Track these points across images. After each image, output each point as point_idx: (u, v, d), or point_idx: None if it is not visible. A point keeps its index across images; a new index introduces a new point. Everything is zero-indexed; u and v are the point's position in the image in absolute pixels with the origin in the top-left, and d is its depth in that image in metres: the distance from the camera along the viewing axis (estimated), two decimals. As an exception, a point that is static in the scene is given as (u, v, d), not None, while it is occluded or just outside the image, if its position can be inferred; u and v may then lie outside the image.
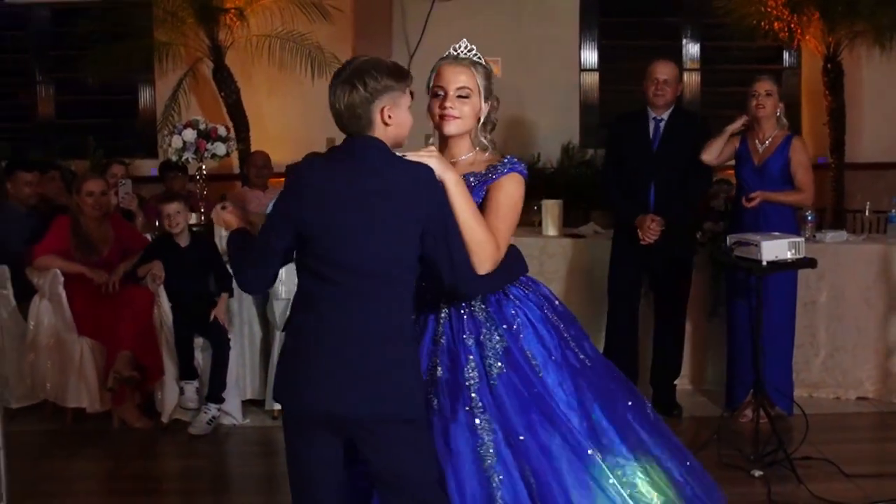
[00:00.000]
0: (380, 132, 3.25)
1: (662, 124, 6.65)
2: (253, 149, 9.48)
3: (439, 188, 3.27)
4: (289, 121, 10.24)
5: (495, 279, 3.43)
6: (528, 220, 8.25)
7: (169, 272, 6.75)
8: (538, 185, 8.39)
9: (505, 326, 3.48)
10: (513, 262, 3.55)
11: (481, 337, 3.46)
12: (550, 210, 7.74)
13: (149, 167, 9.99)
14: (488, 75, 3.62)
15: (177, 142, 7.69)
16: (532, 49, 10.30)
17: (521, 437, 3.38)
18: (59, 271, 6.77)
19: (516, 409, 3.40)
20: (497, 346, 3.46)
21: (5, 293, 7.06)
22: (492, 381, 3.41)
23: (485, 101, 3.59)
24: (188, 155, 7.70)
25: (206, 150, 7.71)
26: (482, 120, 3.61)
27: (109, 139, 10.26)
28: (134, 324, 6.65)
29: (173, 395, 6.75)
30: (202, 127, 7.72)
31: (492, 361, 3.44)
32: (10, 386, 7.03)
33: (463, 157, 3.61)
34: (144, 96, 10.58)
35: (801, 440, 5.85)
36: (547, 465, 3.36)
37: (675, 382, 6.93)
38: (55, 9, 10.48)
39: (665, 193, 6.55)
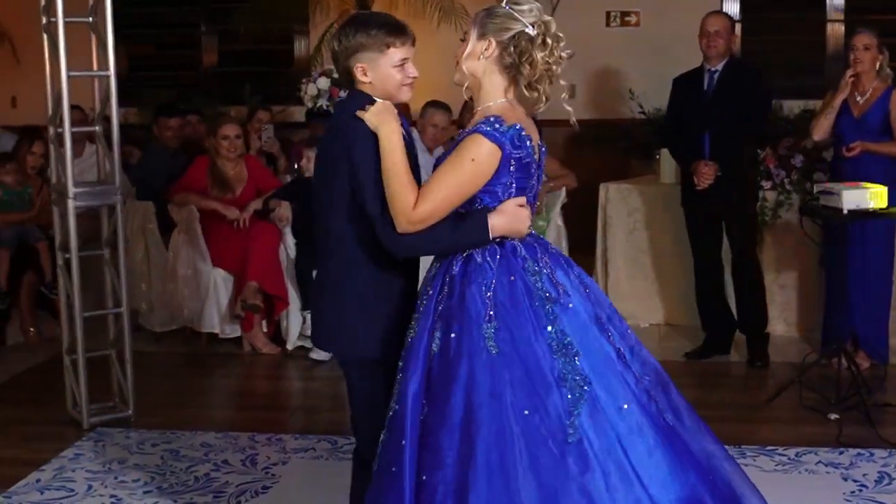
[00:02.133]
0: (365, 87, 3.48)
1: (716, 76, 6.82)
2: (401, 97, 9.86)
3: (358, 141, 3.31)
4: (437, 71, 10.56)
5: (425, 243, 3.28)
6: (650, 168, 8.49)
7: (299, 210, 7.26)
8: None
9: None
10: (459, 230, 3.28)
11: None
12: (665, 159, 7.95)
13: (300, 113, 10.53)
14: (491, 13, 3.36)
15: (312, 89, 8.20)
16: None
17: None
18: (194, 207, 7.38)
19: None
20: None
21: (151, 227, 7.71)
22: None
23: (479, 40, 3.38)
24: (322, 102, 8.19)
25: (339, 97, 8.16)
26: (483, 63, 3.39)
27: (267, 87, 10.82)
28: (261, 257, 7.20)
29: (297, 323, 7.29)
30: (335, 75, 8.17)
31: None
32: (155, 311, 7.70)
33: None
34: (299, 46, 11.11)
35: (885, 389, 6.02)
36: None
37: (767, 332, 7.04)
38: (220, -38, 11.02)
39: (719, 142, 6.72)
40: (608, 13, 10.57)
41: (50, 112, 5.82)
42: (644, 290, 7.95)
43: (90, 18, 5.86)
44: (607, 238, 8.01)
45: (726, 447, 3.46)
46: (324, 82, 8.16)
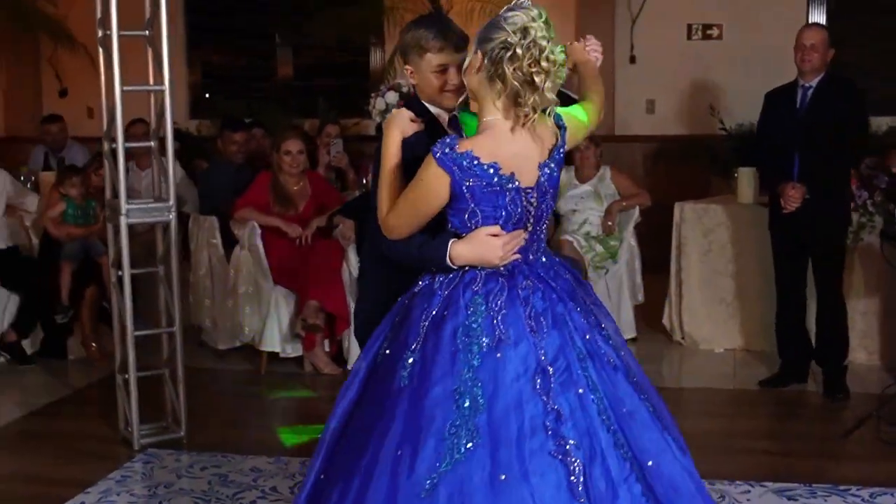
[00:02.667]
0: (418, 90, 3.54)
1: (810, 92, 6.47)
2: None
3: (381, 142, 3.37)
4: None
5: (396, 252, 3.34)
6: (731, 187, 8.18)
7: (363, 229, 7.09)
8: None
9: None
10: (425, 248, 3.28)
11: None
12: (744, 177, 7.66)
13: (374, 127, 10.40)
14: (487, 23, 3.23)
15: (380, 104, 8.04)
16: (755, 11, 10.06)
17: None
18: (256, 224, 7.25)
19: None
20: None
21: (214, 242, 7.60)
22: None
23: (475, 52, 3.20)
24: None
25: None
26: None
27: (341, 99, 10.72)
28: (322, 275, 7.04)
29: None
30: (404, 90, 8.02)
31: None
32: (218, 328, 7.59)
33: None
34: (374, 58, 10.99)
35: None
36: None
37: (845, 364, 6.68)
38: (295, -27, 10.96)
39: (810, 163, 6.37)
40: (690, 26, 10.30)
41: (105, 126, 5.72)
42: (719, 313, 7.66)
43: (146, 32, 5.73)
44: (682, 259, 7.74)
45: (795, 484, 3.22)
46: (392, 97, 8.00)
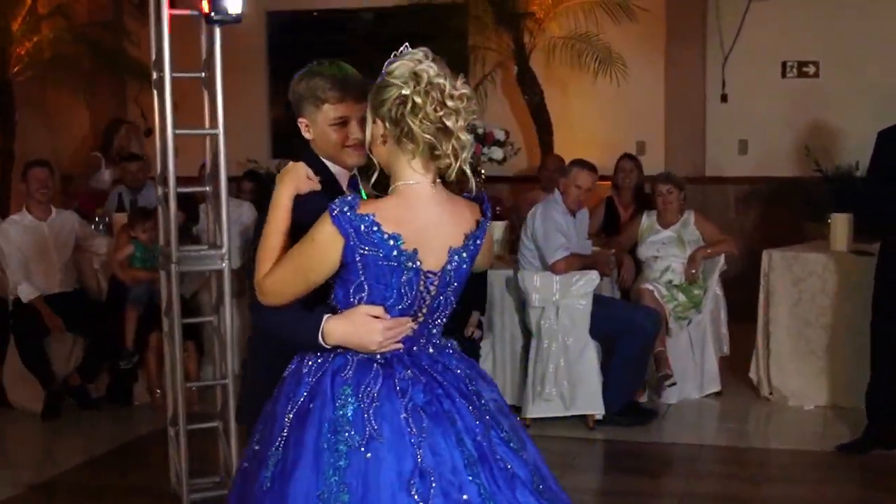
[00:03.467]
0: (313, 145, 3.21)
1: None
2: (557, 151, 9.47)
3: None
4: (597, 124, 10.15)
5: (270, 322, 3.00)
6: (821, 232, 7.78)
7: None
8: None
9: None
10: (300, 322, 2.93)
11: None
12: (838, 223, 7.25)
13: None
14: (375, 86, 2.88)
15: (455, 145, 7.78)
16: (853, 47, 9.62)
17: None
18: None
19: None
20: None
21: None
22: None
23: (373, 122, 2.89)
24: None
25: (482, 153, 7.75)
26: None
27: (424, 138, 10.48)
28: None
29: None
30: (479, 131, 7.77)
31: None
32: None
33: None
34: (459, 99, 10.74)
35: None
36: None
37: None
38: (378, 11, 10.78)
39: None
40: (784, 63, 9.91)
41: (158, 170, 5.55)
42: (809, 367, 7.23)
43: (202, 74, 5.56)
44: (770, 309, 7.33)
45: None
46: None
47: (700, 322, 7.46)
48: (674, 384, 7.16)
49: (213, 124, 5.53)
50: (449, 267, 2.88)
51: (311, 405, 2.83)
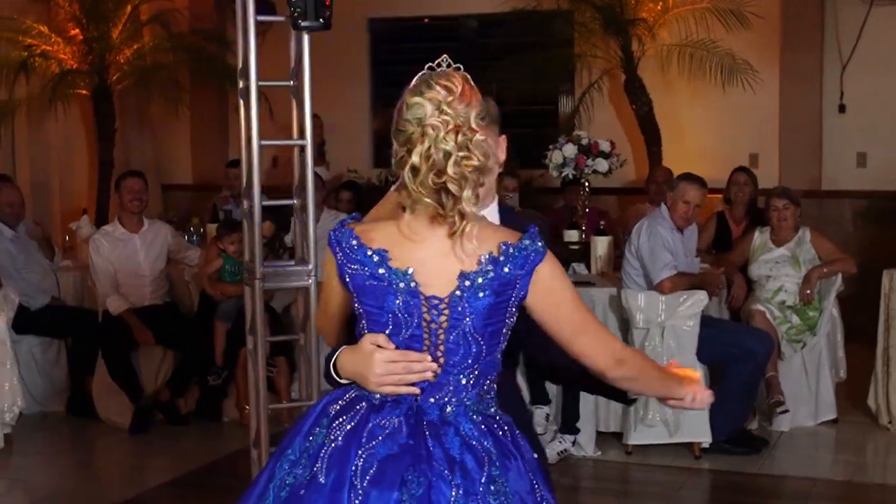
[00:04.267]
0: None
1: None
2: (666, 163, 9.13)
3: None
4: (708, 135, 9.77)
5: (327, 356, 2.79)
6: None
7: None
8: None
9: None
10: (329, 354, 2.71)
11: None
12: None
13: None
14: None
15: (557, 157, 7.51)
16: None
17: None
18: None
19: None
20: None
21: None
22: None
23: None
24: (568, 171, 7.48)
25: (586, 165, 7.44)
26: None
27: (529, 148, 10.20)
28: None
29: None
30: (584, 142, 7.46)
31: None
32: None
33: None
34: (564, 107, 10.45)
35: None
36: None
37: None
38: (482, 19, 10.55)
39: None
40: (908, 71, 9.38)
41: (244, 183, 5.34)
42: (933, 396, 6.77)
43: (291, 83, 5.34)
44: (890, 332, 6.90)
45: None
46: (570, 149, 7.46)
47: (815, 345, 7.05)
48: (786, 411, 6.77)
49: (302, 135, 5.30)
50: (458, 293, 2.51)
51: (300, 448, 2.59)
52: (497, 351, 2.58)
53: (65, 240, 8.95)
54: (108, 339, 7.28)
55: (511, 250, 2.53)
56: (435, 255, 2.51)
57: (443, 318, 2.51)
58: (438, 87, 2.53)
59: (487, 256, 2.51)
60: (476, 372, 2.55)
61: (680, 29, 9.34)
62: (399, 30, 10.96)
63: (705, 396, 2.78)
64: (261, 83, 5.16)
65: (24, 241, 7.73)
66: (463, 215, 2.47)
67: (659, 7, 9.35)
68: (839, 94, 9.52)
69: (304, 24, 5.02)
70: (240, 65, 5.28)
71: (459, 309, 2.50)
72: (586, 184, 7.69)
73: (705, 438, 6.42)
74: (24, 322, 7.27)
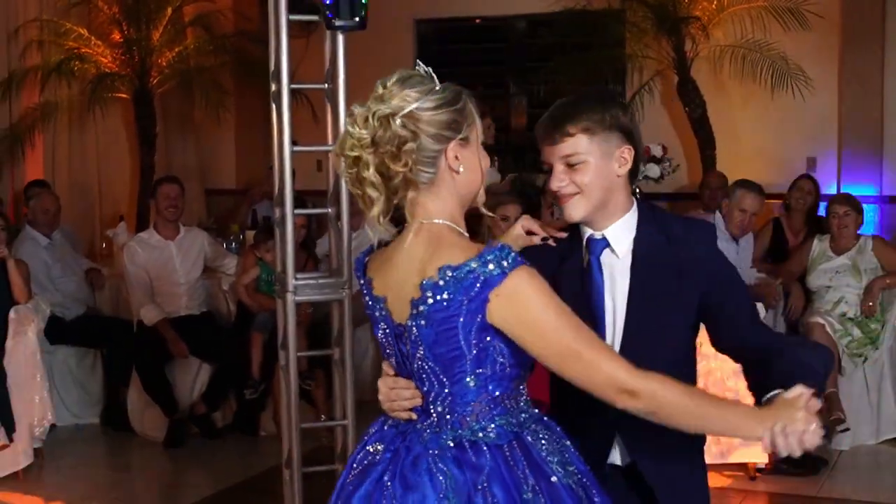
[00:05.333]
0: None
1: None
2: (720, 167, 8.84)
3: None
4: (764, 138, 9.46)
5: None
6: None
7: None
8: None
9: None
10: None
11: None
12: None
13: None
14: None
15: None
16: None
17: None
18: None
19: None
20: None
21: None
22: None
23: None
24: (618, 178, 7.20)
25: (639, 171, 7.15)
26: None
27: (580, 152, 9.97)
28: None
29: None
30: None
31: None
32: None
33: None
34: (616, 108, 10.19)
35: None
36: None
37: None
38: (531, 19, 10.32)
39: None
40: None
41: (276, 190, 5.12)
42: None
43: (326, 85, 5.11)
44: (955, 347, 6.58)
45: None
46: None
47: (877, 359, 6.77)
48: (847, 430, 6.48)
49: (336, 140, 5.05)
50: (409, 322, 2.40)
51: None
52: (468, 377, 2.43)
53: (102, 247, 8.83)
54: (142, 350, 7.14)
55: (451, 274, 2.34)
56: (404, 278, 2.43)
57: (407, 346, 2.45)
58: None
59: (427, 282, 2.36)
60: (450, 399, 2.45)
61: (735, 29, 9.04)
62: (445, 31, 10.80)
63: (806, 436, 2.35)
64: (293, 86, 4.95)
65: (60, 250, 7.62)
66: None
67: (714, 5, 9.06)
68: (902, 96, 9.19)
69: (338, 23, 4.80)
70: (271, 66, 5.06)
71: (412, 338, 2.42)
72: (637, 190, 7.39)
73: (760, 459, 6.14)
74: (58, 332, 7.17)
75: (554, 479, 2.44)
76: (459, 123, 2.48)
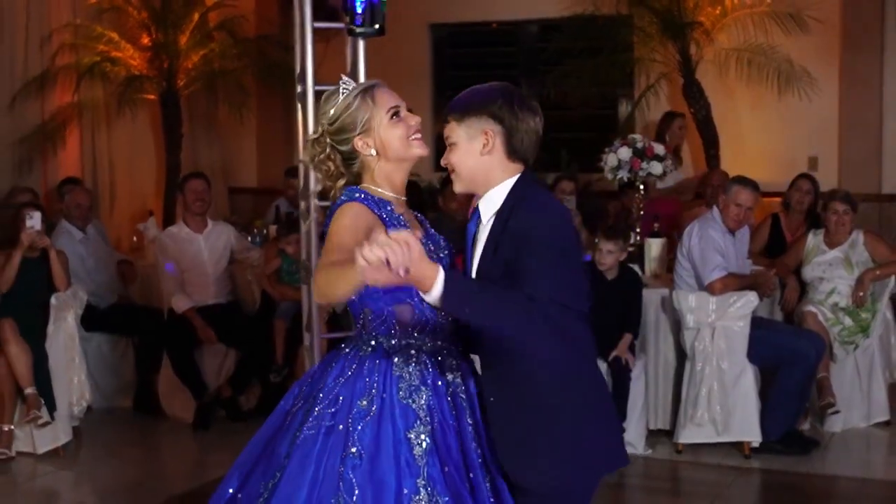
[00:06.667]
0: None
1: None
2: (725, 166, 9.19)
3: None
4: (767, 138, 9.79)
5: None
6: None
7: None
8: None
9: None
10: None
11: None
12: None
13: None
14: None
15: (612, 160, 7.57)
16: None
17: None
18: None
19: None
20: None
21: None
22: None
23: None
24: (623, 174, 7.56)
25: (641, 168, 7.52)
26: None
27: (589, 153, 10.28)
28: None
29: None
30: (639, 145, 7.54)
31: None
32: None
33: None
34: (623, 110, 10.52)
35: None
36: None
37: None
38: (542, 24, 10.62)
39: None
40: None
41: (301, 185, 5.52)
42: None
43: (345, 87, 5.50)
44: (940, 336, 6.92)
45: None
46: (625, 152, 7.52)
47: (867, 347, 7.08)
48: (837, 412, 6.82)
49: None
50: None
51: None
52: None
53: (132, 240, 9.22)
54: (172, 337, 7.53)
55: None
56: None
57: None
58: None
59: None
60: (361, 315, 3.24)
61: (738, 33, 9.37)
62: (460, 35, 11.10)
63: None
64: (317, 87, 5.34)
65: (94, 243, 8.00)
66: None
67: (717, 11, 9.40)
68: (900, 95, 9.51)
69: (359, 30, 5.20)
70: (297, 69, 5.46)
71: None
72: (641, 187, 7.76)
73: (754, 438, 6.49)
74: (93, 320, 7.54)
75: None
76: (355, 121, 3.22)
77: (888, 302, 7.14)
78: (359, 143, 3.22)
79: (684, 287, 6.64)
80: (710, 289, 6.46)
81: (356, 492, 2.98)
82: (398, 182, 3.30)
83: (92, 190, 8.85)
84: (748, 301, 6.43)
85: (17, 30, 9.22)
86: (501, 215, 3.12)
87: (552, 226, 3.08)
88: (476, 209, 3.23)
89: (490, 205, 3.19)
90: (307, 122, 5.36)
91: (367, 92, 3.24)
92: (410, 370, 3.14)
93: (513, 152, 3.18)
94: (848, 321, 7.01)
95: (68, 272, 6.97)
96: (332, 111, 3.24)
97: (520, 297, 2.91)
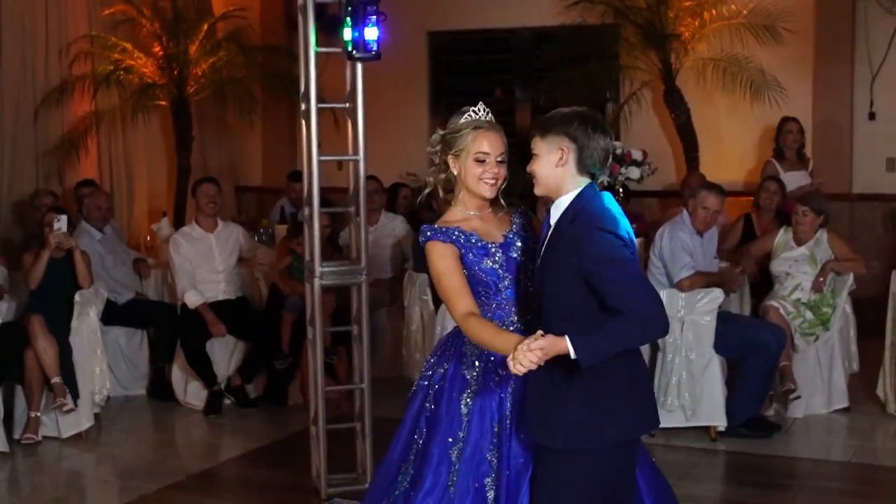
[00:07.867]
0: None
1: None
2: (704, 168, 9.71)
3: None
4: (743, 141, 10.29)
5: None
6: None
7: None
8: None
9: None
10: None
11: None
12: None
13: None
14: None
15: (593, 165, 8.09)
16: None
17: None
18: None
19: None
20: None
21: (425, 299, 7.98)
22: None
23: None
24: (602, 178, 8.06)
25: (620, 173, 8.06)
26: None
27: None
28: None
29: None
30: (618, 151, 8.07)
31: None
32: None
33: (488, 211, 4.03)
34: (611, 115, 10.99)
35: None
36: None
37: None
38: (538, 31, 11.05)
39: None
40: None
41: (305, 193, 6.07)
42: (935, 389, 7.31)
43: (347, 104, 6.08)
44: (897, 327, 7.44)
45: None
46: (605, 157, 8.05)
47: (828, 340, 7.60)
48: (798, 398, 7.35)
49: (356, 151, 6.03)
50: None
51: None
52: None
53: (147, 239, 9.75)
54: (185, 330, 8.09)
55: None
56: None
57: None
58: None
59: None
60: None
61: (717, 43, 9.89)
62: (457, 42, 11.57)
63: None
64: (320, 105, 5.89)
65: (112, 242, 8.55)
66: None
67: (697, 22, 9.91)
68: (869, 103, 10.00)
69: (357, 55, 5.75)
70: (301, 88, 6.02)
71: None
72: (620, 190, 8.29)
73: (720, 423, 7.04)
74: (111, 315, 8.08)
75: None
76: (455, 143, 3.91)
77: (848, 297, 7.65)
78: (451, 160, 3.94)
79: (657, 284, 7.15)
80: (679, 286, 7.01)
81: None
82: (472, 205, 3.97)
83: (109, 192, 9.36)
84: (714, 297, 6.98)
85: (37, 42, 9.76)
86: (564, 219, 3.66)
87: (599, 240, 3.57)
88: (548, 212, 3.77)
89: (558, 210, 3.72)
90: (311, 136, 5.90)
91: (476, 129, 3.90)
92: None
93: (582, 167, 3.70)
94: (809, 315, 7.51)
95: (91, 271, 7.52)
96: (451, 125, 3.95)
97: (632, 319, 3.47)
